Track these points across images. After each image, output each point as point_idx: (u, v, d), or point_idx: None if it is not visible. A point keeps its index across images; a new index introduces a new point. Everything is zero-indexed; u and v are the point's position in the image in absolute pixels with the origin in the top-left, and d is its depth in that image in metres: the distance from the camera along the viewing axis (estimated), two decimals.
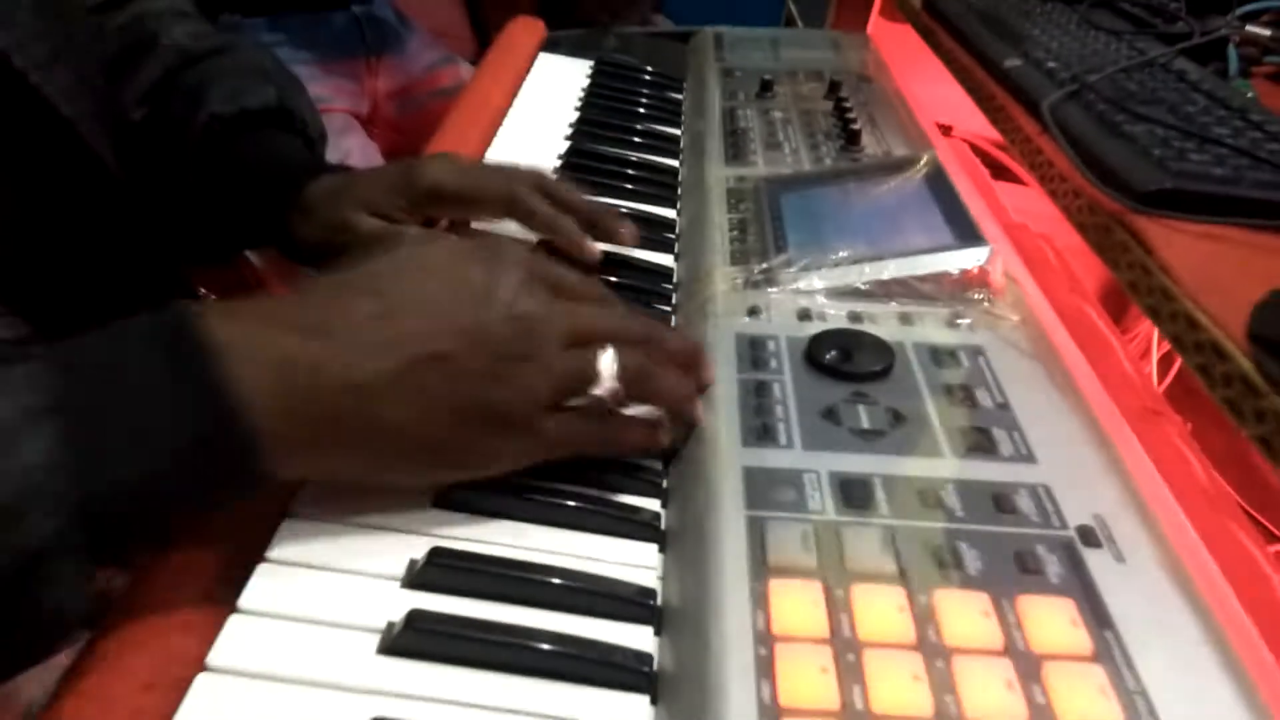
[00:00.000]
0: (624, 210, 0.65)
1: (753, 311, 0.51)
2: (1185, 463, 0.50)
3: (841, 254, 0.54)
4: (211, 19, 1.06)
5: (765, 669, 0.32)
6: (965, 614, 0.34)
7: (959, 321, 0.50)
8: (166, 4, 0.67)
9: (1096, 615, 0.34)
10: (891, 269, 0.53)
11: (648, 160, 0.73)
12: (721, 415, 0.43)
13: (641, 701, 0.34)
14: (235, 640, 0.34)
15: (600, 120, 0.78)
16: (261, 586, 0.35)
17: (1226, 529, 0.46)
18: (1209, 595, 0.36)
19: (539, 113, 0.78)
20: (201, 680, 0.32)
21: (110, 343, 0.33)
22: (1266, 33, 0.80)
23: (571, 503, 0.40)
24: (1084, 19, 0.78)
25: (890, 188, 0.62)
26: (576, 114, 0.78)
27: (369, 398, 0.34)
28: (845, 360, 0.47)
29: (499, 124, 0.75)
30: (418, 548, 0.37)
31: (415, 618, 0.34)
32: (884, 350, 0.47)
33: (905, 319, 0.51)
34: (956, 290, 0.52)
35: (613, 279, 0.57)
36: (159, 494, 0.32)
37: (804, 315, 0.51)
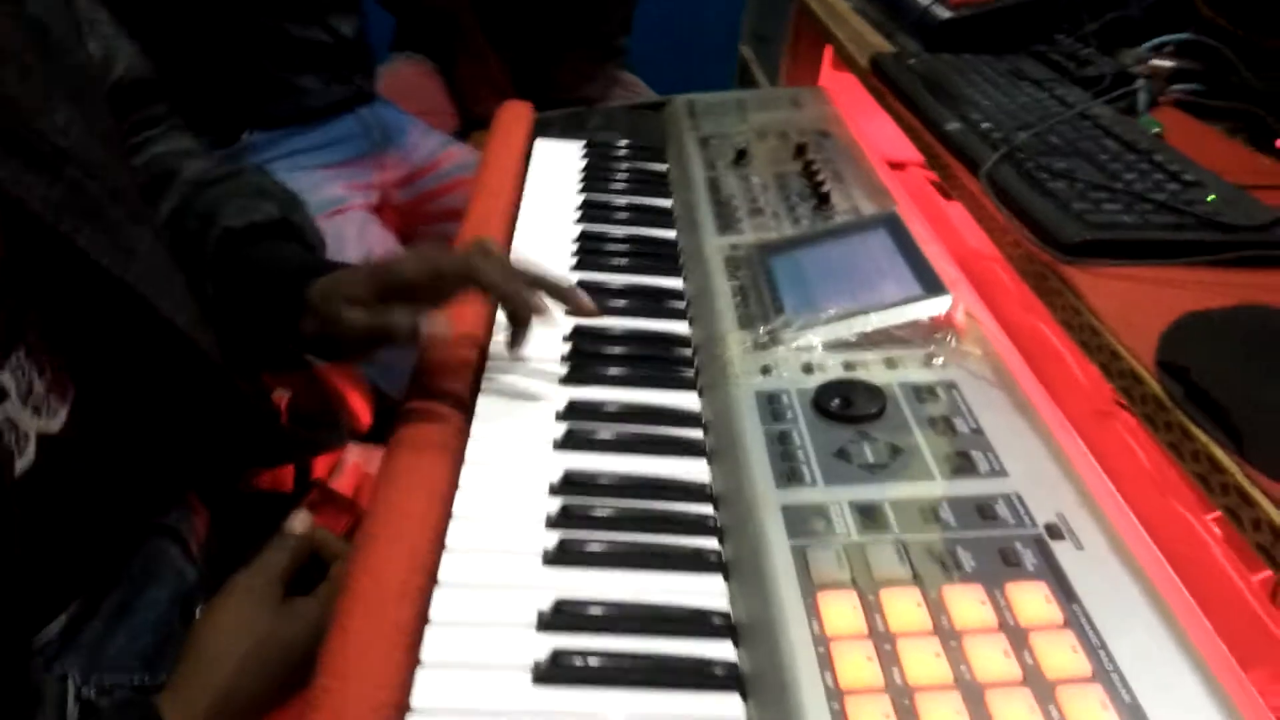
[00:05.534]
0: (638, 285, 0.76)
1: (765, 370, 0.62)
2: (1131, 453, 0.62)
3: (831, 311, 0.65)
4: (234, 137, 1.16)
5: (826, 663, 0.42)
6: (967, 603, 0.44)
7: (934, 361, 0.61)
8: (176, 145, 0.77)
9: (1065, 592, 0.45)
10: (874, 321, 0.64)
11: (648, 235, 0.84)
12: (755, 462, 0.54)
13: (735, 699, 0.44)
14: None
15: (600, 202, 0.88)
16: None
17: (1168, 506, 0.58)
18: (1147, 567, 0.46)
19: (547, 201, 0.88)
20: None
21: None
22: (1170, 64, 0.92)
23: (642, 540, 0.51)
24: (1011, 70, 0.89)
25: (862, 245, 0.73)
26: (580, 197, 0.89)
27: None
28: (847, 406, 0.57)
29: (513, 215, 0.85)
30: None
31: None
32: (877, 394, 0.58)
33: (890, 363, 0.61)
34: (928, 334, 0.63)
35: (637, 353, 0.67)
36: None
37: (807, 368, 0.62)
